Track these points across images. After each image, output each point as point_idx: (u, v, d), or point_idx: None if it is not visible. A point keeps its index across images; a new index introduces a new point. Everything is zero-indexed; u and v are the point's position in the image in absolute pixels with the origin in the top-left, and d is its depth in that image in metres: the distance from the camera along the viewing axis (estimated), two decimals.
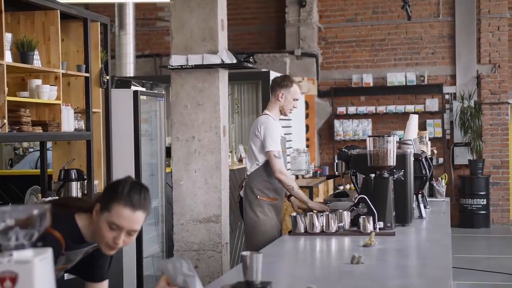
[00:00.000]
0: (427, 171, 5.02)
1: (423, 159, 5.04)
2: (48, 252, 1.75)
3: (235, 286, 2.71)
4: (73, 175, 5.46)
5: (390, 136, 4.42)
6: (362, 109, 12.81)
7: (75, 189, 5.45)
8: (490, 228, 12.24)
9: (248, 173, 5.33)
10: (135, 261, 6.32)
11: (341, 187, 10.78)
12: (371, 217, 4.20)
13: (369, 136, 4.46)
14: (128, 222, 2.60)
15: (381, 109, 12.73)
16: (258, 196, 5.23)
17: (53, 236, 2.62)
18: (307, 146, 12.17)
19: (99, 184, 5.87)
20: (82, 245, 2.75)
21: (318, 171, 10.82)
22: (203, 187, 5.57)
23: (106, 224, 2.61)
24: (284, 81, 5.31)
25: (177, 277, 2.43)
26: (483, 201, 12.18)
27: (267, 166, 5.19)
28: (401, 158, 4.52)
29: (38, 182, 5.74)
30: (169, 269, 2.44)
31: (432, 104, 12.59)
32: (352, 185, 6.07)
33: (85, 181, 5.63)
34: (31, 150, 8.48)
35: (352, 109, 12.84)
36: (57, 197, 5.15)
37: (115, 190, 2.62)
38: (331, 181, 10.79)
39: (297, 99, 5.34)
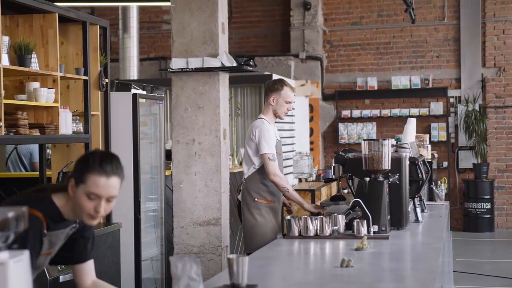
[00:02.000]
0: (423, 175, 5.01)
1: (420, 163, 5.03)
2: (24, 255, 1.77)
3: None
4: None
5: (385, 140, 4.42)
6: (367, 112, 12.81)
7: None
8: (494, 232, 12.20)
9: (245, 177, 5.38)
10: (134, 263, 6.34)
11: (346, 191, 10.77)
12: (365, 221, 4.20)
13: (364, 140, 4.46)
14: (105, 189, 2.68)
15: (386, 112, 12.73)
16: (256, 199, 5.28)
17: (34, 215, 2.69)
18: (312, 149, 12.18)
19: None
20: (62, 225, 2.82)
21: (322, 175, 10.82)
22: (203, 190, 5.57)
23: (84, 195, 2.69)
24: (275, 85, 5.37)
25: (182, 278, 2.45)
26: (487, 205, 12.15)
27: (264, 169, 5.24)
28: (397, 162, 4.52)
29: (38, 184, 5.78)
30: (178, 267, 2.45)
31: (437, 107, 12.57)
32: None
33: None
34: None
35: (356, 113, 12.83)
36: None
37: (87, 163, 2.71)
38: (334, 185, 10.79)
39: (289, 102, 5.37)
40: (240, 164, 8.63)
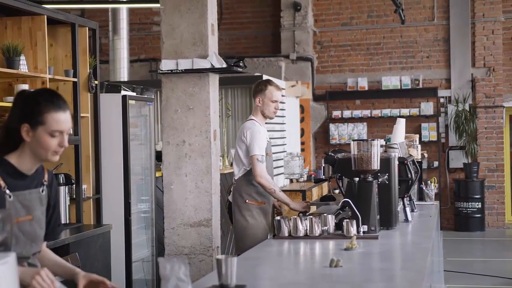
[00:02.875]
0: (413, 174, 5.03)
1: (409, 163, 5.05)
2: (11, 257, 1.77)
3: None
4: (61, 180, 5.47)
5: (374, 140, 4.43)
6: (357, 113, 12.84)
7: (63, 194, 5.46)
8: (485, 232, 12.25)
9: (236, 178, 5.41)
10: (124, 265, 6.33)
11: (337, 191, 10.77)
12: (355, 221, 4.21)
13: (353, 140, 4.48)
14: (65, 124, 2.76)
15: (376, 112, 12.76)
16: (247, 200, 5.31)
17: None
18: (303, 150, 12.19)
19: (87, 189, 5.89)
20: (24, 183, 2.78)
21: (313, 175, 10.82)
22: (194, 191, 5.57)
23: (47, 136, 2.72)
24: (259, 86, 5.43)
25: (171, 279, 2.45)
26: (478, 205, 12.19)
27: None
28: (386, 162, 4.53)
29: None
30: (166, 268, 2.46)
31: (427, 107, 12.61)
32: None
33: (73, 185, 5.65)
34: None
35: (347, 113, 12.86)
36: None
37: (38, 103, 2.72)
38: (325, 185, 10.80)
39: (275, 101, 5.39)
40: (231, 165, 8.63)
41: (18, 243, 2.69)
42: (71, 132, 5.65)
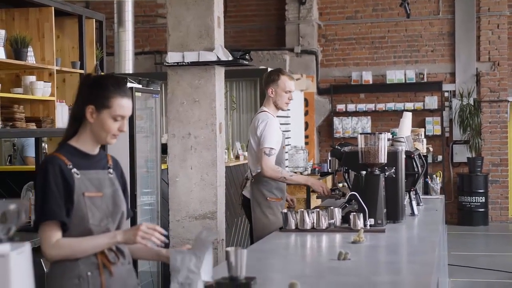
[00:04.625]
0: (419, 168, 5.03)
1: (416, 157, 5.05)
2: (26, 246, 1.78)
3: (219, 281, 2.74)
4: None
5: (381, 133, 4.43)
6: (362, 106, 12.84)
7: None
8: (488, 226, 12.26)
9: (253, 174, 5.28)
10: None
11: (341, 184, 10.77)
12: (362, 214, 4.22)
13: (361, 133, 4.48)
14: (128, 109, 2.88)
15: (381, 106, 12.75)
16: (268, 198, 5.21)
17: (49, 156, 2.83)
18: (307, 143, 12.20)
19: None
20: (89, 162, 2.87)
21: (317, 168, 10.82)
22: (199, 183, 5.57)
23: (110, 119, 2.83)
24: (271, 76, 5.29)
25: (182, 270, 2.45)
26: (481, 199, 12.20)
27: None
28: (393, 156, 4.53)
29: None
30: (177, 259, 2.46)
31: (432, 101, 12.60)
32: None
33: None
34: None
35: (351, 107, 12.86)
36: None
37: (106, 88, 2.84)
38: (330, 178, 10.81)
39: (289, 91, 5.27)
40: (236, 158, 8.64)
41: (94, 216, 2.80)
42: None
